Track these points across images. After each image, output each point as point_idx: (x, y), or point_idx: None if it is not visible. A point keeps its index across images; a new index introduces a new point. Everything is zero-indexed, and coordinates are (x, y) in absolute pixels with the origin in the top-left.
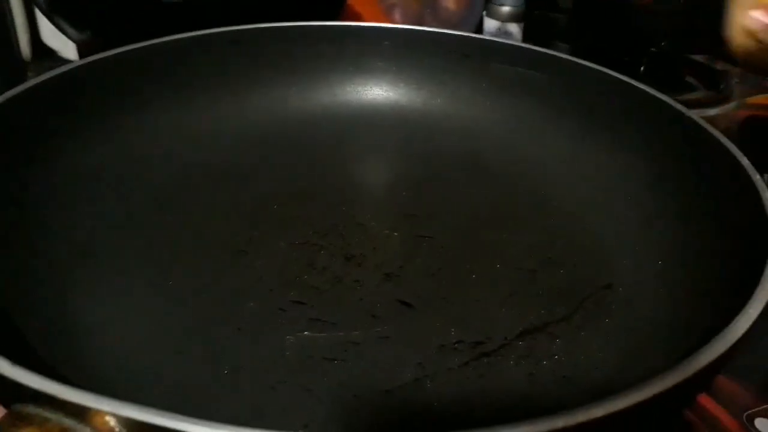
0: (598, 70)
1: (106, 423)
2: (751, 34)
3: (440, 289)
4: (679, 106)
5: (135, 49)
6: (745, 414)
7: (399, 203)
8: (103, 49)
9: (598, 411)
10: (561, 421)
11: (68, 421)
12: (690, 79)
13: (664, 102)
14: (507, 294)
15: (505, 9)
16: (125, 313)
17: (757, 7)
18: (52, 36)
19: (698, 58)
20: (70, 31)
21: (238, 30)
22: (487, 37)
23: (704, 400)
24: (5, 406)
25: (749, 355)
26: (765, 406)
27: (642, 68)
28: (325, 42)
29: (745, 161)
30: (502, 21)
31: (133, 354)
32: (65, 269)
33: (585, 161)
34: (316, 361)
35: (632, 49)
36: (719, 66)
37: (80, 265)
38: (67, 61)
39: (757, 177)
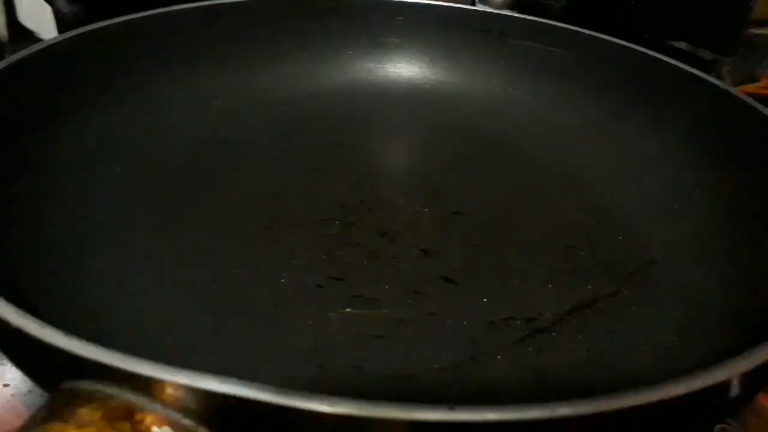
0: (621, 44)
1: (179, 399)
2: None
3: (481, 266)
4: (713, 80)
5: (140, 18)
6: None
7: (424, 180)
8: (85, 24)
9: (678, 389)
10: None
11: (135, 398)
12: None
13: (696, 75)
14: (550, 270)
15: None
16: (156, 290)
17: None
18: (29, 17)
19: (688, 47)
20: (59, 2)
21: (247, 2)
22: (505, 12)
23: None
24: (47, 387)
25: None
26: None
27: None
28: (337, 17)
29: None
30: (495, 8)
31: (169, 333)
32: (77, 245)
33: (609, 137)
34: (364, 339)
35: (626, 36)
36: (707, 56)
37: (96, 242)
38: None
39: None
